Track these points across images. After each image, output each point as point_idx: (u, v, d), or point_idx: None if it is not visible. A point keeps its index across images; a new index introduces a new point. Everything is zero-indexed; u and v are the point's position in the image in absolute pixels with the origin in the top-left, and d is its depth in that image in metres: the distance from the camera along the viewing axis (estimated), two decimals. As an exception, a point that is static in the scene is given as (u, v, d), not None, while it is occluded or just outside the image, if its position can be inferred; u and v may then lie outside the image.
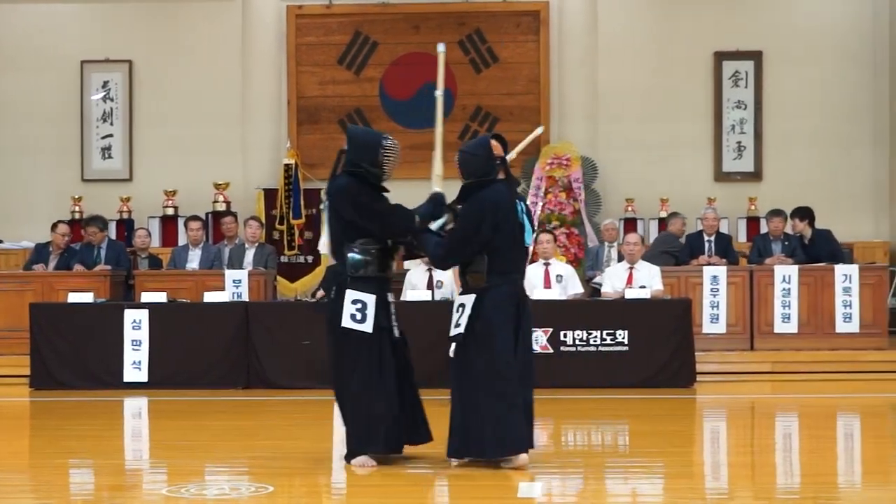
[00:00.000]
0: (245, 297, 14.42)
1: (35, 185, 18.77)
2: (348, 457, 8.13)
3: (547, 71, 18.60)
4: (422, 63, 18.44)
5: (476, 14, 18.69)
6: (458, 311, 8.04)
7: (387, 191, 8.30)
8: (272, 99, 18.60)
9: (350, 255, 8.09)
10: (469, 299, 8.00)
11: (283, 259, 17.26)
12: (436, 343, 13.18)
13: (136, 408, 12.38)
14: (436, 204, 8.27)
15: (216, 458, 8.58)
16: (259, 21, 18.64)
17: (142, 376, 13.38)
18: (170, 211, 18.16)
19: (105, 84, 18.86)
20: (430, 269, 14.03)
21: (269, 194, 17.74)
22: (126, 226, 18.11)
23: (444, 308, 13.43)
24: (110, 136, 18.83)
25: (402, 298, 13.91)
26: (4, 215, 18.65)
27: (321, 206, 8.56)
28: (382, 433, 8.06)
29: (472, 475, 7.92)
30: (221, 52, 18.71)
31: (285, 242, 17.44)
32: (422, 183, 18.06)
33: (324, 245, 8.49)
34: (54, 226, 15.82)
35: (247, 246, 15.67)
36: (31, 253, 15.99)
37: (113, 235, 17.17)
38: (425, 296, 13.70)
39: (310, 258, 17.71)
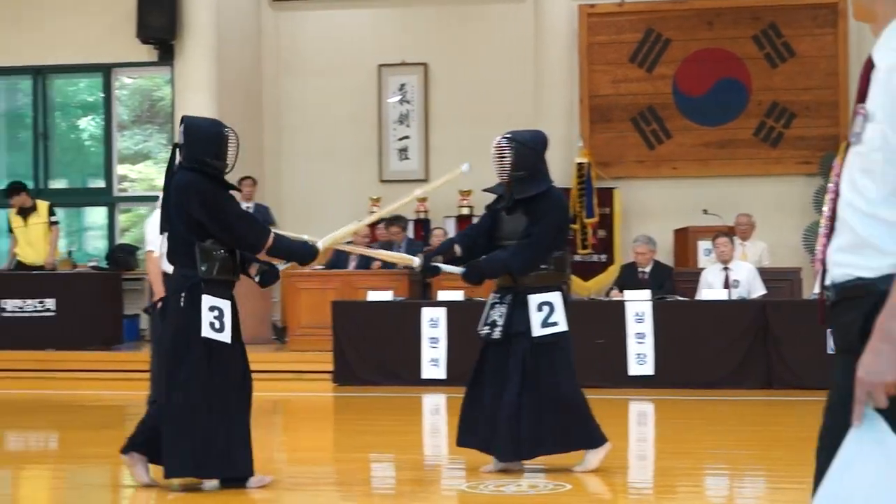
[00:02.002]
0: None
1: (334, 187, 19.33)
2: (200, 474, 7.36)
3: (846, 64, 18.04)
4: (716, 59, 18.19)
5: (771, 8, 18.28)
6: (539, 309, 7.76)
7: (238, 189, 7.70)
8: (564, 98, 18.60)
9: (202, 255, 7.32)
10: (557, 297, 7.81)
11: (577, 258, 17.30)
12: (736, 340, 13.07)
13: (434, 404, 12.60)
14: (305, 253, 7.59)
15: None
16: (551, 21, 18.68)
17: (440, 373, 13.60)
18: (465, 210, 18.38)
19: (402, 87, 19.30)
20: (726, 268, 13.84)
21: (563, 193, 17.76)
22: (423, 225, 18.48)
23: (743, 309, 13.31)
24: (407, 137, 19.26)
25: (696, 297, 13.78)
26: (306, 216, 19.26)
27: (156, 204, 7.86)
28: (243, 454, 7.40)
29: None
30: (514, 52, 18.89)
31: (578, 241, 17.46)
32: (712, 181, 17.98)
33: (156, 245, 7.86)
34: (354, 227, 16.25)
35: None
36: (332, 252, 16.48)
37: (410, 235, 17.54)
38: (721, 295, 13.54)
39: (603, 257, 17.71)
